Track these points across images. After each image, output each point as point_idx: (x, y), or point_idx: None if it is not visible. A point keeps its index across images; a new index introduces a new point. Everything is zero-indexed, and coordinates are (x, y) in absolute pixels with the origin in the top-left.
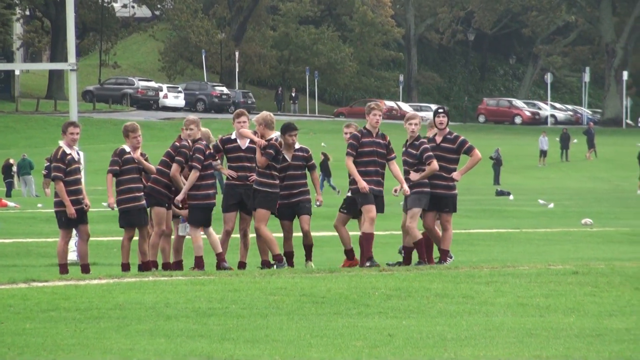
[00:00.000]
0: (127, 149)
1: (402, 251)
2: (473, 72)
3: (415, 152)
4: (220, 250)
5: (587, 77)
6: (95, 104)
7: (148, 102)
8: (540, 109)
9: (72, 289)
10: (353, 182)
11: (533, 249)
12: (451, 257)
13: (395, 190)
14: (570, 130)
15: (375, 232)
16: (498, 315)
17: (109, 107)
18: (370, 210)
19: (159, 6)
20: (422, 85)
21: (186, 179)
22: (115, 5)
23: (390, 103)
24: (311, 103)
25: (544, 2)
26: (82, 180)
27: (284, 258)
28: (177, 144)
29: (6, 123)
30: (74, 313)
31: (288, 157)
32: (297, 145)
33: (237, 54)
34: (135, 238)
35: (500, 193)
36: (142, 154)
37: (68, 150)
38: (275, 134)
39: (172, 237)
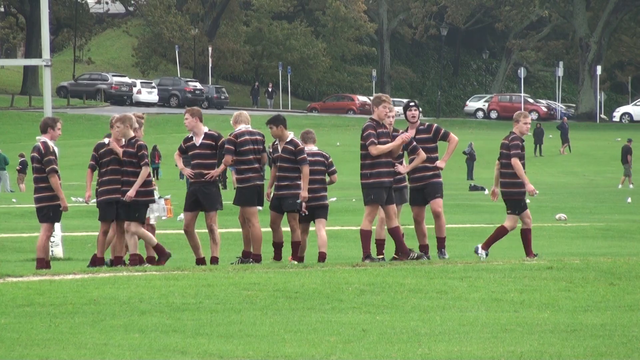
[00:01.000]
0: (106, 141)
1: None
2: (446, 67)
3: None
4: (135, 250)
5: (560, 72)
6: (70, 100)
7: (122, 98)
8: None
9: (47, 284)
10: (373, 175)
11: (507, 244)
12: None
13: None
14: (544, 125)
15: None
16: (472, 311)
17: (83, 103)
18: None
19: (132, 2)
20: (395, 80)
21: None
22: (89, 1)
23: (363, 98)
24: (284, 98)
25: None
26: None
27: (261, 260)
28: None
29: None
30: (48, 308)
31: (280, 149)
32: (288, 139)
33: (210, 49)
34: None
35: (473, 188)
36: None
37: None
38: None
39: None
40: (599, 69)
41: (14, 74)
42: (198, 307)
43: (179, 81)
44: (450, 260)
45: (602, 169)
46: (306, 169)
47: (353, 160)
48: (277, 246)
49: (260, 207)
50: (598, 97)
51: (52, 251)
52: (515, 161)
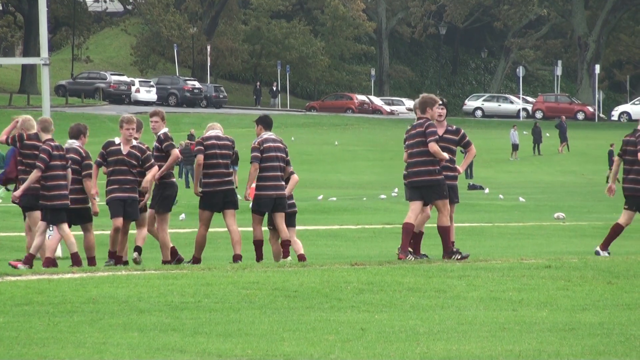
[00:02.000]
0: (117, 140)
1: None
2: (445, 66)
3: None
4: (50, 254)
5: (559, 71)
6: (68, 99)
7: (120, 97)
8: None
9: (46, 283)
10: (419, 173)
11: (505, 243)
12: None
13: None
14: (542, 124)
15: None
16: (470, 310)
17: (81, 102)
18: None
19: (130, 1)
20: (394, 79)
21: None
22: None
23: (361, 97)
24: (283, 97)
25: None
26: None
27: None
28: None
29: None
30: (47, 307)
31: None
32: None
33: (208, 48)
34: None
35: (472, 187)
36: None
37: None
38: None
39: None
40: (597, 67)
41: (12, 72)
42: (197, 306)
43: (178, 80)
44: (449, 259)
45: (600, 168)
46: (251, 166)
47: (352, 159)
48: (256, 244)
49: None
50: (596, 96)
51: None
52: None
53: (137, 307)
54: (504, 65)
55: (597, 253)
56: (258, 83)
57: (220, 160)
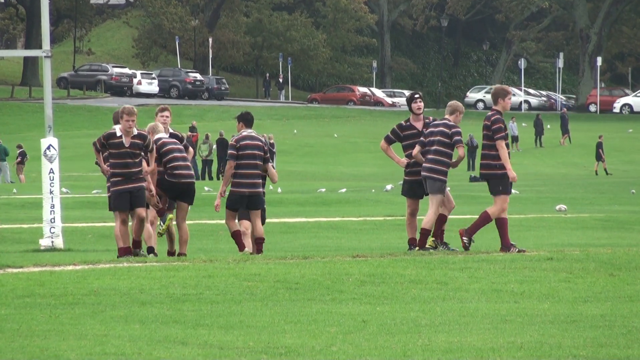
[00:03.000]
0: (118, 132)
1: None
2: (446, 58)
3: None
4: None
5: (560, 63)
6: (70, 91)
7: (122, 89)
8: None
9: (47, 275)
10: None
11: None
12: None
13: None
14: (544, 116)
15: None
16: (472, 302)
17: (83, 94)
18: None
19: None
20: (396, 71)
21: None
22: None
23: (363, 89)
24: (284, 89)
25: None
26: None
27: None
28: None
29: None
30: (48, 299)
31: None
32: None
33: (210, 40)
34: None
35: (474, 179)
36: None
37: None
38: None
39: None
40: (599, 60)
41: (14, 65)
42: (198, 298)
43: (180, 72)
44: (450, 251)
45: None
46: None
47: (353, 151)
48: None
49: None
50: (598, 88)
51: (52, 242)
52: None
53: (138, 299)
54: (506, 58)
55: None
56: (267, 75)
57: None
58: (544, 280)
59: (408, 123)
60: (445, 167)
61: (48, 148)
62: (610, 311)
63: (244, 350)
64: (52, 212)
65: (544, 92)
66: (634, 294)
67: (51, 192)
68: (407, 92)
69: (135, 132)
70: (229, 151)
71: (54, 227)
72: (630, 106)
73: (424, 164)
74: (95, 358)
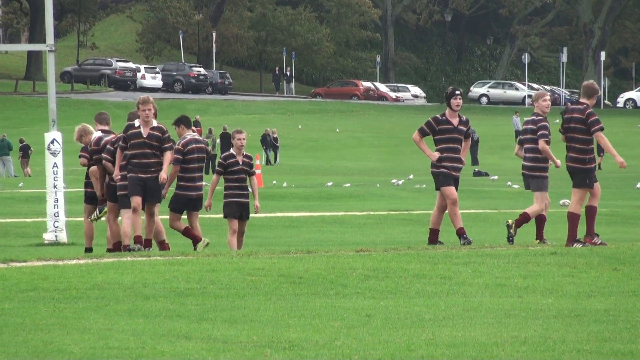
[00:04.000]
0: (137, 123)
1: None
2: (450, 53)
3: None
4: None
5: (564, 58)
6: (74, 85)
7: (126, 83)
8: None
9: (51, 269)
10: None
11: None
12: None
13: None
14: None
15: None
16: (476, 296)
17: (87, 88)
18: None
19: None
20: (399, 66)
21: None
22: None
23: (367, 84)
24: (285, 84)
25: None
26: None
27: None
28: None
29: None
30: (52, 293)
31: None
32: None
33: (214, 34)
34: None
35: (477, 174)
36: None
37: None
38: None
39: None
40: (602, 54)
41: (18, 59)
42: (202, 292)
43: (183, 66)
44: (454, 246)
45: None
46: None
47: (357, 145)
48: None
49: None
50: (602, 83)
51: (56, 236)
52: None
53: (142, 293)
54: (510, 52)
55: None
56: (277, 69)
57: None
58: (547, 275)
59: (444, 117)
60: (545, 163)
61: (52, 142)
62: (614, 306)
63: (247, 345)
64: (56, 206)
65: (547, 87)
66: (638, 289)
67: (55, 187)
68: (410, 87)
69: (155, 124)
70: (175, 156)
71: (57, 222)
72: (634, 101)
73: (523, 162)
74: (98, 352)
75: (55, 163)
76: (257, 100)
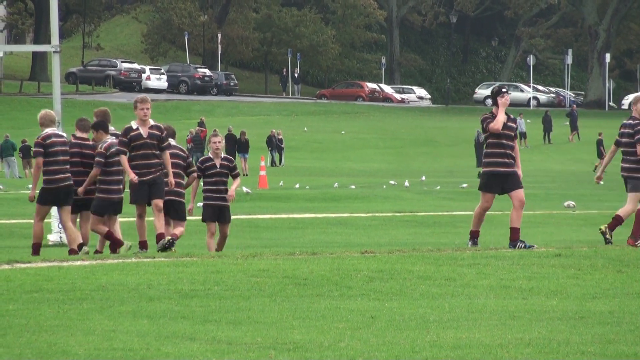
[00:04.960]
0: (134, 125)
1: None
2: (455, 55)
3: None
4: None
5: (569, 60)
6: (78, 86)
7: (131, 84)
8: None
9: (55, 271)
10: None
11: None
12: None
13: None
14: (552, 113)
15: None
16: (480, 298)
17: (92, 89)
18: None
19: None
20: (405, 67)
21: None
22: None
23: (372, 85)
24: (293, 85)
25: None
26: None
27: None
28: None
29: None
30: (57, 294)
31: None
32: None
33: (219, 36)
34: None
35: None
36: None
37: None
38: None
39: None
40: (607, 56)
41: (23, 60)
42: (207, 294)
43: (188, 68)
44: (459, 247)
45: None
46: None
47: (362, 147)
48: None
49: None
50: (607, 85)
51: (60, 237)
52: None
53: (146, 295)
54: (515, 54)
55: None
56: (285, 70)
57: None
58: (552, 277)
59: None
60: None
61: None
62: (619, 308)
63: (252, 346)
64: None
65: (552, 89)
66: None
67: None
68: (415, 88)
69: (152, 123)
70: (98, 159)
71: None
72: None
73: (622, 164)
74: (103, 353)
75: None
76: (262, 101)
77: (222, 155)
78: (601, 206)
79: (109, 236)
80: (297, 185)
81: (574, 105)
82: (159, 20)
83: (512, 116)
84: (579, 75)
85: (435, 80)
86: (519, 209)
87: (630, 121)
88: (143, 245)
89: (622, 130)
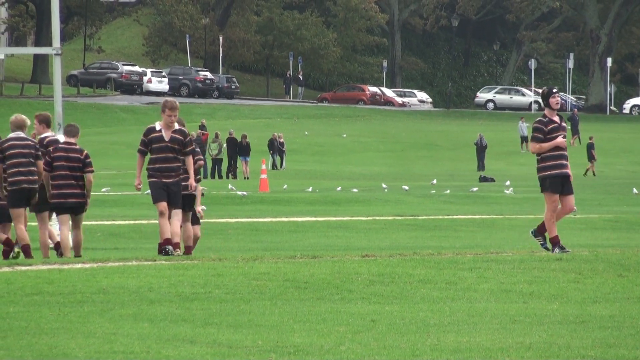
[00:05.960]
0: (158, 126)
1: None
2: (457, 58)
3: None
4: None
5: (571, 64)
6: (80, 89)
7: (132, 87)
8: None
9: (56, 273)
10: None
11: (516, 235)
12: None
13: None
14: None
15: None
16: (481, 302)
17: (93, 92)
18: None
19: None
20: (406, 70)
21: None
22: None
23: (373, 89)
24: (295, 88)
25: None
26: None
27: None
28: None
29: None
30: (57, 297)
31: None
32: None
33: (221, 39)
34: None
35: (483, 179)
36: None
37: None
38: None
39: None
40: (609, 60)
41: (24, 62)
42: (207, 297)
43: (190, 70)
44: (460, 251)
45: (611, 161)
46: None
47: (363, 150)
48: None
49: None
50: (608, 89)
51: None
52: None
53: (147, 298)
54: (516, 58)
55: None
56: (288, 73)
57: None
58: (552, 281)
59: (547, 118)
60: None
61: None
62: (619, 312)
63: (252, 349)
64: None
65: None
66: None
67: None
68: (417, 92)
69: (176, 126)
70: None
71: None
72: None
73: None
74: (103, 356)
75: None
76: (264, 104)
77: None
78: (601, 210)
79: (5, 243)
80: (310, 189)
81: (575, 110)
82: (161, 23)
83: (561, 116)
84: (580, 80)
85: (437, 83)
86: (565, 214)
87: None
88: (167, 243)
89: None
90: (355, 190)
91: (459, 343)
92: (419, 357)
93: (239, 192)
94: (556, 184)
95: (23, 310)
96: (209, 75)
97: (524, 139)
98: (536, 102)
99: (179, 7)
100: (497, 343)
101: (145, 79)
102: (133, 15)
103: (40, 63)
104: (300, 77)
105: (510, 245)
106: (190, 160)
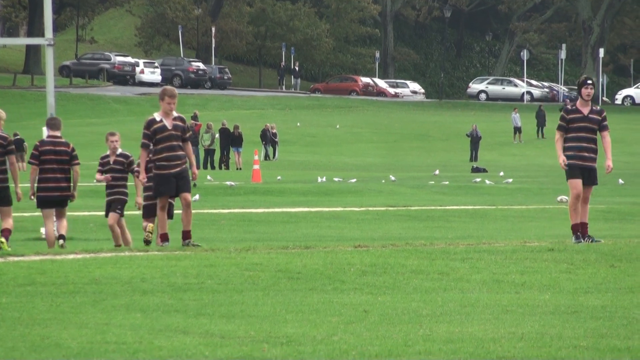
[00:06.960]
0: (157, 117)
1: None
2: (449, 49)
3: None
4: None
5: (563, 54)
6: (72, 79)
7: (125, 77)
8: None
9: (48, 264)
10: None
11: (509, 225)
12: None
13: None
14: (546, 108)
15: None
16: (473, 292)
17: (85, 82)
18: None
19: None
20: (398, 61)
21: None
22: None
23: (366, 79)
24: (287, 79)
25: None
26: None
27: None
28: None
29: None
30: (50, 287)
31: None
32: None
33: (213, 29)
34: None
35: (476, 170)
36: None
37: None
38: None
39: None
40: (601, 51)
41: (17, 53)
42: (200, 287)
43: (182, 61)
44: (452, 242)
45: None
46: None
47: (356, 141)
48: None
49: None
50: (600, 79)
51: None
52: None
53: (140, 288)
54: (508, 49)
55: None
56: (282, 64)
57: None
58: (545, 271)
59: (574, 107)
60: None
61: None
62: (611, 302)
63: (245, 340)
64: None
65: (546, 84)
66: (635, 285)
67: None
68: (409, 83)
69: (175, 114)
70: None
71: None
72: (632, 98)
73: None
74: (96, 347)
75: None
76: (256, 95)
77: (118, 153)
78: (593, 201)
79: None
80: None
81: (567, 100)
82: (153, 14)
83: (597, 108)
84: (573, 70)
85: (429, 74)
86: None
87: None
88: (164, 238)
89: None
90: (353, 180)
91: (451, 333)
92: (411, 347)
93: (228, 183)
94: (574, 170)
95: (15, 301)
96: (201, 66)
97: (517, 130)
98: (528, 93)
99: None
100: (489, 333)
101: (137, 69)
102: (125, 6)
103: (33, 54)
104: (297, 69)
105: (503, 235)
106: (189, 146)
